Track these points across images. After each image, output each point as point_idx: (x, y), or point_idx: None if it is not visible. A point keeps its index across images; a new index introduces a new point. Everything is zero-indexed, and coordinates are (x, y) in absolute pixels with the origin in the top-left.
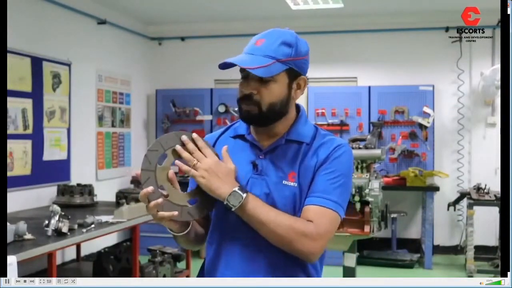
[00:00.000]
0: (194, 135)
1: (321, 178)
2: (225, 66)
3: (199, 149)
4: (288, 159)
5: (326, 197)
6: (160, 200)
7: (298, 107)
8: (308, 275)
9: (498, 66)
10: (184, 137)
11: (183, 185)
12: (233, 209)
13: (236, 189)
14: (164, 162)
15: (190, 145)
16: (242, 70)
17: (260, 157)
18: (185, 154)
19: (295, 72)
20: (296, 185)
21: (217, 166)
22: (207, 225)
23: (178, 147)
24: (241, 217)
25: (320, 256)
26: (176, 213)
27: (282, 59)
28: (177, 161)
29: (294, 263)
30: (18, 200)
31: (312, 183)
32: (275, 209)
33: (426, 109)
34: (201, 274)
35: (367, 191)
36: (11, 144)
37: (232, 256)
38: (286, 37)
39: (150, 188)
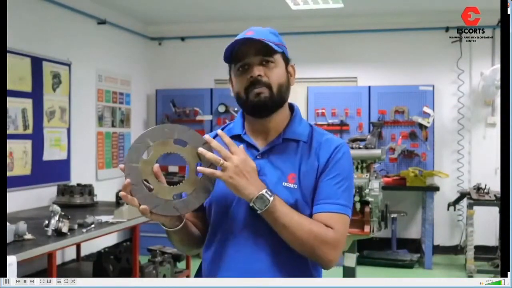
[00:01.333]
0: (220, 131)
1: (327, 184)
2: (230, 51)
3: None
4: (287, 159)
5: (336, 202)
6: (128, 181)
7: (292, 106)
8: (309, 275)
9: (498, 66)
10: (207, 136)
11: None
12: (258, 212)
13: (264, 192)
14: (149, 156)
15: (215, 143)
16: (238, 60)
17: (258, 157)
18: (209, 154)
19: (286, 58)
20: (296, 187)
21: (244, 165)
22: (203, 229)
23: (201, 149)
24: (249, 216)
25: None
26: (146, 207)
27: (276, 42)
28: (199, 167)
29: (296, 265)
30: (18, 200)
31: (318, 189)
32: (298, 212)
33: (426, 109)
34: (198, 277)
35: (367, 191)
36: (11, 144)
37: (233, 258)
38: (270, 29)
39: (127, 181)
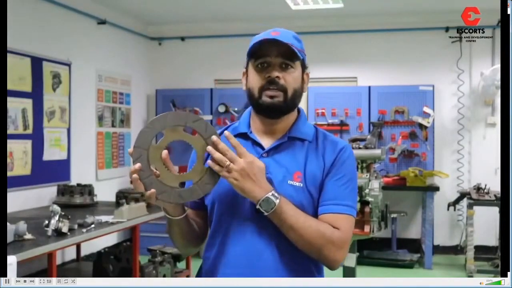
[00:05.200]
0: (226, 132)
1: (333, 185)
2: (253, 48)
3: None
4: (293, 158)
5: (342, 203)
6: (138, 165)
7: (298, 109)
8: (312, 275)
9: (498, 66)
10: (215, 137)
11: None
12: (264, 214)
13: (270, 195)
14: (160, 141)
15: (222, 145)
16: (259, 57)
17: (263, 155)
18: (216, 154)
19: (304, 65)
20: (302, 185)
21: (251, 167)
22: (204, 227)
23: (210, 148)
24: (253, 213)
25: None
26: (154, 191)
27: (299, 49)
28: (209, 161)
29: (300, 264)
30: (18, 200)
31: (325, 190)
32: (304, 213)
33: (426, 109)
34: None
35: (367, 191)
36: (11, 144)
37: (237, 255)
38: (294, 34)
39: (137, 165)
